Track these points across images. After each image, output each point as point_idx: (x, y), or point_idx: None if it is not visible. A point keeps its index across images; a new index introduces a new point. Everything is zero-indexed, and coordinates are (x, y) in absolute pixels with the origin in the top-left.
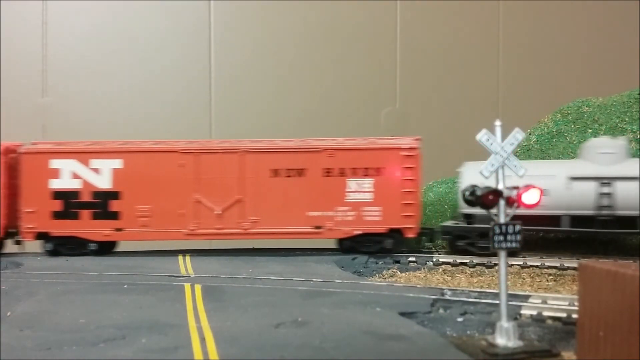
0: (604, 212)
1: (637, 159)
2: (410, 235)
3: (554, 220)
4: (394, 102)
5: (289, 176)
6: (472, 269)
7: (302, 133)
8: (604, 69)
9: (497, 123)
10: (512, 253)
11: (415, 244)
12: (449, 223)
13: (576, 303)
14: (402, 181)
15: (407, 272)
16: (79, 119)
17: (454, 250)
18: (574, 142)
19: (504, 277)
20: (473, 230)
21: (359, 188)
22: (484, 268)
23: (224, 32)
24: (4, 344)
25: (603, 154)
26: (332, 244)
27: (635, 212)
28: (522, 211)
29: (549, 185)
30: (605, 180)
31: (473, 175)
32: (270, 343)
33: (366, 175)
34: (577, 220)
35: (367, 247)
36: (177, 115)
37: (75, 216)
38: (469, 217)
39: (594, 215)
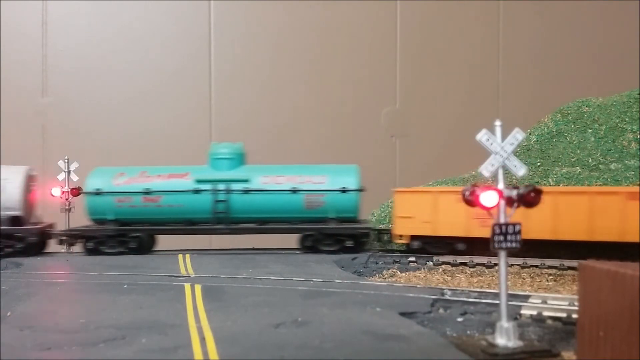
0: None
1: None
2: None
3: None
4: (394, 102)
5: None
6: (472, 269)
7: (302, 133)
8: (604, 69)
9: (497, 123)
10: None
11: None
12: None
13: (576, 303)
14: None
15: (407, 272)
16: (79, 119)
17: None
18: (574, 142)
19: (504, 277)
20: None
21: None
22: (484, 268)
23: (224, 31)
24: (4, 344)
25: None
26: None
27: None
28: None
29: None
30: None
31: None
32: (270, 343)
33: None
34: None
35: None
36: (177, 114)
37: None
38: None
39: None
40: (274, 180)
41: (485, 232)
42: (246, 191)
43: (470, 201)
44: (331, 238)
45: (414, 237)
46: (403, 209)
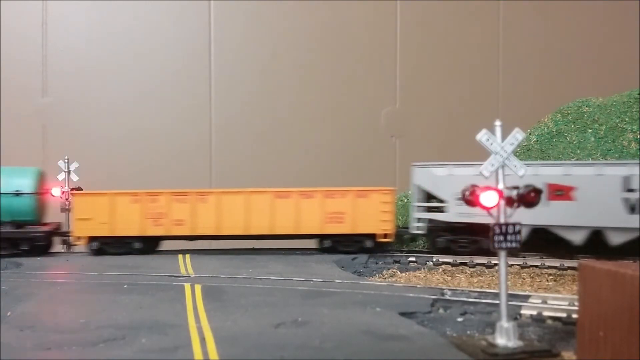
0: None
1: None
2: None
3: None
4: (394, 102)
5: None
6: (472, 269)
7: (302, 132)
8: (604, 69)
9: (497, 123)
10: None
11: None
12: None
13: (576, 303)
14: None
15: (407, 272)
16: (79, 119)
17: None
18: (574, 142)
19: (504, 277)
20: None
21: None
22: (484, 268)
23: (224, 31)
24: (4, 344)
25: None
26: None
27: None
28: None
29: None
30: None
31: None
32: (270, 343)
33: None
34: None
35: None
36: (177, 114)
37: None
38: None
39: None
40: None
41: (158, 230)
42: None
43: (470, 201)
44: (7, 242)
45: (92, 238)
46: (82, 212)
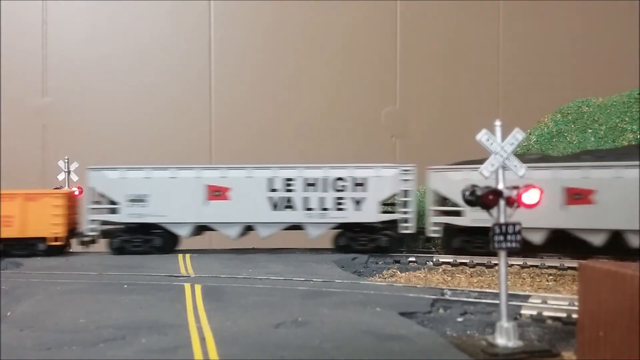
0: None
1: None
2: None
3: None
4: (394, 102)
5: None
6: (472, 269)
7: (302, 132)
8: (604, 69)
9: (497, 123)
10: None
11: None
12: None
13: (576, 303)
14: None
15: (407, 272)
16: (79, 119)
17: None
18: (574, 142)
19: (504, 277)
20: None
21: None
22: (484, 268)
23: (224, 32)
24: (4, 344)
25: None
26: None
27: None
28: None
29: None
30: None
31: None
32: (270, 343)
33: None
34: None
35: None
36: (177, 114)
37: None
38: None
39: None
40: None
41: None
42: None
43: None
44: None
45: None
46: None
